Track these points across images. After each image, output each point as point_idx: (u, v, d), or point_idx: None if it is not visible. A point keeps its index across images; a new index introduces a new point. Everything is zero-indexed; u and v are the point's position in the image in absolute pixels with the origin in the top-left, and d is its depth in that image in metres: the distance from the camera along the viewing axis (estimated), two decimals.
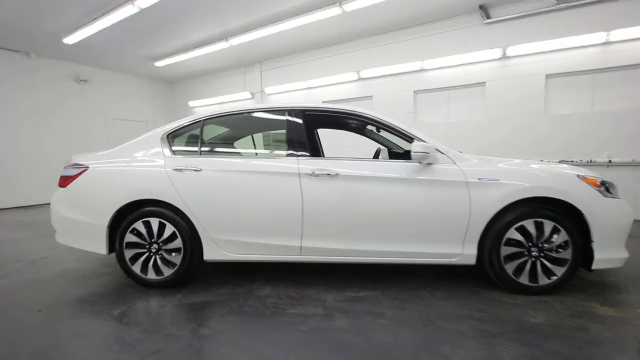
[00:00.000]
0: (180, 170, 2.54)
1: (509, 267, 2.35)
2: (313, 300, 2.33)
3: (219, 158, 2.69)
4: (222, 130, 3.12)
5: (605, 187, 2.36)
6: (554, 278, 2.32)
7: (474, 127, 5.88)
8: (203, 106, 9.70)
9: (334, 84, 7.30)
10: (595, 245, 2.28)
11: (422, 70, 6.30)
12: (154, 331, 1.97)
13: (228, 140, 3.22)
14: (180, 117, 9.22)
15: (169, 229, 2.53)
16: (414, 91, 6.46)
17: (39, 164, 7.56)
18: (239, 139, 3.34)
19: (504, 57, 5.51)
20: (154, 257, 2.56)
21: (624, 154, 4.80)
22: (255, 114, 2.87)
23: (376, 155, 3.64)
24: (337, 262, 2.54)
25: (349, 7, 5.17)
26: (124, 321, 2.11)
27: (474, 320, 2.02)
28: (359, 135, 3.61)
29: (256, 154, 2.94)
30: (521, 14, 5.24)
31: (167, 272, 2.55)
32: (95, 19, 5.45)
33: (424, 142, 2.39)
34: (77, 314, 2.23)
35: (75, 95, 8.28)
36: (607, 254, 2.29)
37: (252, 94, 8.61)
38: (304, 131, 2.59)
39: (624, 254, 2.34)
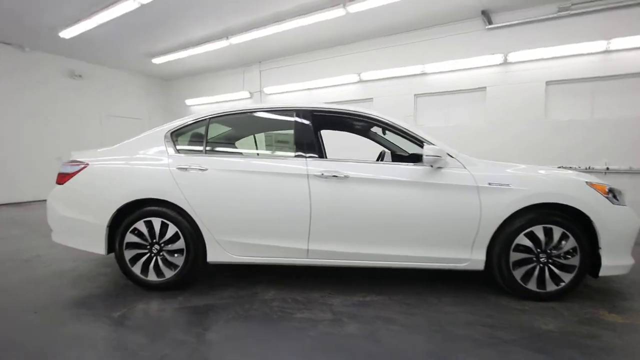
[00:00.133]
0: (185, 169, 2.48)
1: (518, 273, 2.33)
2: (320, 305, 2.29)
3: (225, 157, 2.63)
4: (228, 129, 3.06)
5: (613, 194, 2.36)
6: (562, 284, 2.31)
7: (474, 132, 5.91)
8: (200, 105, 9.59)
9: (334, 86, 7.27)
10: (603, 252, 2.28)
11: (423, 73, 6.31)
12: (157, 336, 1.90)
13: (234, 140, 3.16)
14: (176, 115, 9.10)
15: (172, 230, 2.46)
16: (415, 94, 6.47)
17: (30, 159, 7.38)
18: (245, 138, 3.28)
19: (505, 62, 5.55)
20: (155, 258, 2.49)
21: (621, 162, 4.87)
22: (262, 114, 2.82)
23: (379, 158, 3.62)
24: (344, 266, 2.50)
25: (352, 8, 5.15)
26: (125, 324, 2.04)
27: (484, 327, 2.00)
28: (356, 137, 3.60)
29: (263, 154, 2.88)
30: (523, 20, 5.29)
31: (169, 273, 2.48)
32: (94, 12, 5.33)
33: (434, 145, 2.37)
34: (75, 316, 2.15)
35: (70, 91, 8.11)
36: (614, 260, 2.29)
37: (250, 93, 8.54)
38: (313, 132, 2.55)
39: (630, 261, 2.34)
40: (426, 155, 2.26)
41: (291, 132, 2.61)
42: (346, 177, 2.37)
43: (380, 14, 5.45)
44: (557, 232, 2.28)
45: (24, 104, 7.33)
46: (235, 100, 8.78)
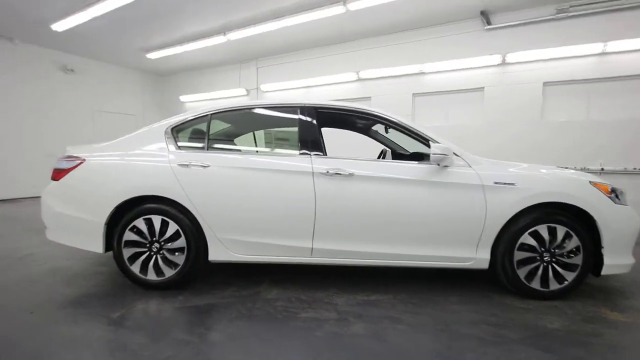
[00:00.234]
0: (187, 165, 2.42)
1: (522, 272, 2.33)
2: (325, 304, 2.26)
3: (228, 154, 2.58)
4: (230, 125, 3.01)
5: (615, 194, 2.38)
6: (565, 283, 2.33)
7: (472, 132, 5.93)
8: (195, 101, 9.46)
9: (332, 84, 7.24)
10: (605, 251, 2.30)
11: (421, 73, 6.31)
12: (159, 336, 1.85)
13: (236, 137, 3.11)
14: (171, 111, 8.97)
15: (172, 227, 2.40)
16: (413, 94, 6.47)
17: (20, 155, 7.19)
18: (247, 135, 3.23)
19: (503, 63, 5.58)
20: (154, 256, 2.43)
21: (616, 162, 4.94)
22: (266, 110, 2.78)
23: (380, 157, 3.61)
24: (348, 265, 2.47)
25: (353, 6, 5.12)
26: (125, 325, 1.98)
27: (490, 326, 1.99)
28: (355, 135, 3.58)
29: (266, 151, 2.84)
30: (521, 21, 5.33)
31: (169, 272, 2.43)
32: (88, 4, 5.19)
33: (441, 143, 2.36)
34: (72, 316, 2.08)
35: (62, 85, 7.91)
36: (616, 259, 2.32)
37: (247, 90, 8.46)
38: (317, 129, 2.51)
39: (631, 260, 2.36)
40: (434, 154, 2.24)
41: (295, 129, 2.57)
42: (351, 174, 2.34)
43: (380, 12, 5.43)
44: (561, 231, 2.29)
45: (13, 99, 7.13)
46: (232, 97, 8.69)
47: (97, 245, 2.45)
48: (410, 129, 2.50)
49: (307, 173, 2.36)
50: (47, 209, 2.58)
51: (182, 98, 9.57)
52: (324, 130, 3.59)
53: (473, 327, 1.98)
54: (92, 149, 2.65)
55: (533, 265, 2.33)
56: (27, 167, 7.16)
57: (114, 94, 9.02)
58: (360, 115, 2.69)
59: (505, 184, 2.30)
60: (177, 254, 2.41)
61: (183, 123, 2.64)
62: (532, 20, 5.25)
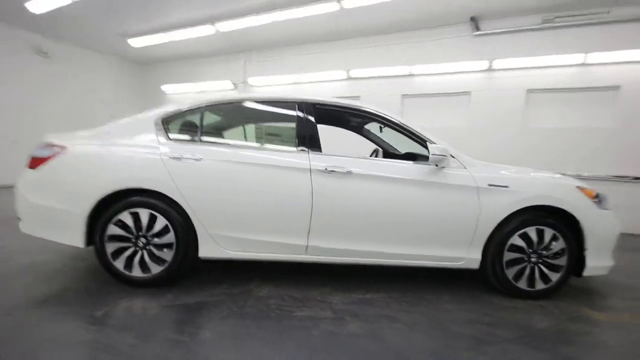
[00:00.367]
0: (178, 158, 2.32)
1: (510, 272, 2.40)
2: (319, 302, 2.23)
3: (221, 148, 2.48)
4: (223, 118, 2.90)
5: (599, 199, 2.49)
6: (550, 283, 2.41)
7: (459, 135, 6.05)
8: (179, 93, 9.14)
9: (322, 81, 7.18)
10: (588, 253, 2.40)
11: (410, 75, 6.38)
12: (148, 336, 1.76)
13: (229, 130, 3.01)
14: (152, 101, 8.58)
15: (161, 222, 2.29)
16: (402, 95, 6.53)
17: None
18: (242, 129, 3.13)
19: (490, 69, 5.73)
20: (140, 252, 2.31)
21: (594, 168, 5.19)
22: (262, 105, 2.70)
23: (373, 156, 3.60)
24: (342, 263, 2.46)
25: (346, 4, 5.10)
26: (110, 324, 1.87)
27: (483, 325, 2.03)
28: (347, 134, 3.56)
29: (262, 146, 2.75)
30: (509, 29, 5.48)
31: (156, 269, 2.31)
32: None
33: (439, 144, 2.38)
34: (53, 315, 1.94)
35: (34, 69, 7.42)
36: (597, 261, 2.43)
37: (234, 84, 8.26)
38: (315, 126, 2.47)
39: (610, 262, 2.48)
40: (432, 154, 2.25)
41: (292, 124, 2.52)
42: (349, 172, 2.32)
43: (373, 11, 5.43)
44: (548, 233, 2.37)
45: None
46: (219, 90, 8.45)
47: (77, 239, 2.30)
48: (409, 129, 2.50)
49: (305, 169, 2.31)
50: (22, 199, 2.39)
51: (164, 87, 9.22)
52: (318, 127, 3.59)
53: (467, 326, 2.01)
54: (74, 136, 2.49)
55: (521, 266, 2.40)
56: None
57: (92, 81, 8.56)
58: (359, 113, 2.67)
59: (499, 186, 2.35)
60: (165, 250, 2.31)
61: (175, 114, 2.52)
62: (520, 28, 5.42)
